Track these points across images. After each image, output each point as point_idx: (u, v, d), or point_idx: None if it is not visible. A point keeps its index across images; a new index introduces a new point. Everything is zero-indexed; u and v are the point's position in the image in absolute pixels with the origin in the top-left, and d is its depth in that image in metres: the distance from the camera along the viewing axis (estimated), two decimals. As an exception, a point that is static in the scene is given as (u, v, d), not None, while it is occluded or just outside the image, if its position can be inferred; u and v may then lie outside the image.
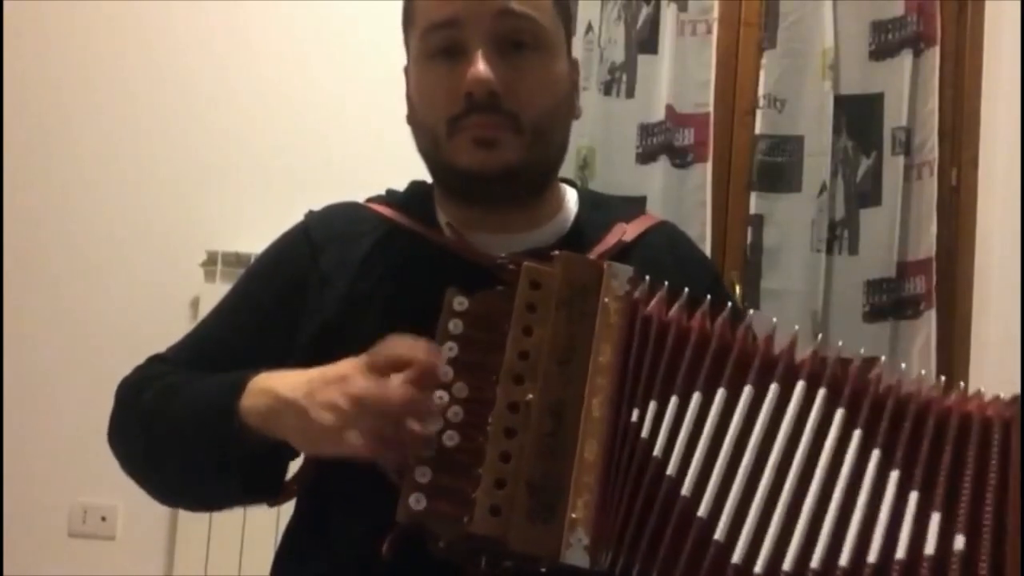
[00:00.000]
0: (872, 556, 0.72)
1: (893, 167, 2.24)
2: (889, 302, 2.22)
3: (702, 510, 0.75)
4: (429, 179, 1.05)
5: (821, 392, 0.77)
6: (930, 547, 0.72)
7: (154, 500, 1.00)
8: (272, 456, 0.90)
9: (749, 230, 2.26)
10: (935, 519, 0.73)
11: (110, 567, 2.23)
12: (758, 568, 0.73)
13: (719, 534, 0.74)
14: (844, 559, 0.72)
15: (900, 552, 0.72)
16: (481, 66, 0.90)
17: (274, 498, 0.93)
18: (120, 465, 0.99)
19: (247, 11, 2.38)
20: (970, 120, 2.26)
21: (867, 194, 2.26)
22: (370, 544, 0.79)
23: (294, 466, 0.94)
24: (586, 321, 0.80)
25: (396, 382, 0.77)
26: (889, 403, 0.77)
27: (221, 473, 0.89)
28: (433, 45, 0.95)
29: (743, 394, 0.78)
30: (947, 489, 0.74)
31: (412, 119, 1.01)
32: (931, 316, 2.19)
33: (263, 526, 0.99)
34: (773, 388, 0.78)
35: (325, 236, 1.02)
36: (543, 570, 0.74)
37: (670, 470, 0.76)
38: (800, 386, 0.78)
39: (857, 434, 0.76)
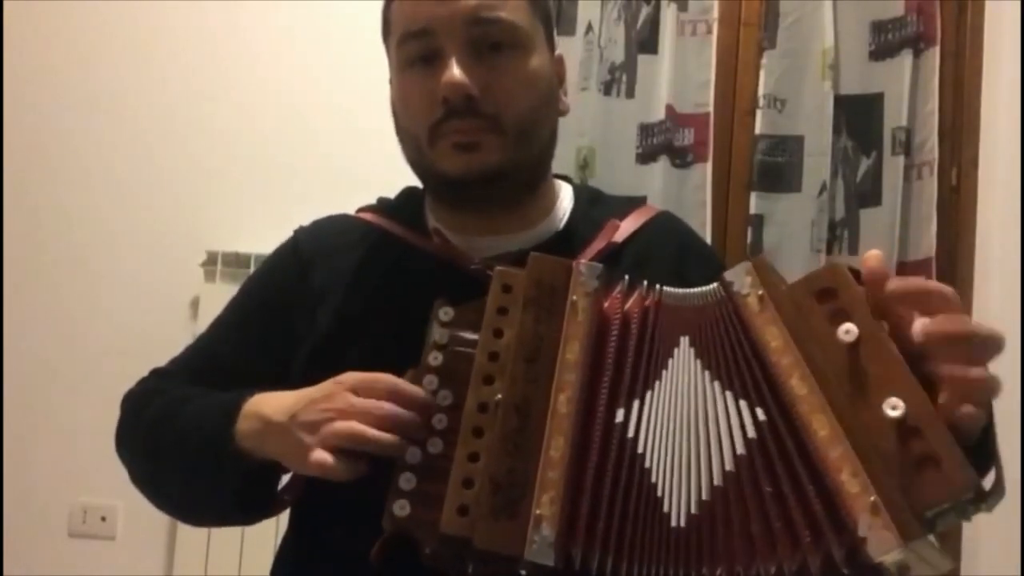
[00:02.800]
0: (728, 465, 0.76)
1: (893, 167, 2.23)
2: (889, 302, 2.22)
3: (660, 490, 0.76)
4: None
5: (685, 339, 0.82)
6: (751, 431, 0.76)
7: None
8: (266, 476, 0.91)
9: (749, 230, 2.26)
10: (744, 406, 0.77)
11: (110, 567, 2.24)
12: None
13: (674, 521, 0.75)
14: (718, 479, 0.76)
15: (740, 448, 0.76)
16: (455, 71, 0.90)
17: (266, 515, 0.94)
18: (128, 475, 1.01)
19: (247, 12, 2.38)
20: (970, 120, 2.26)
21: (867, 194, 2.26)
22: (363, 551, 0.79)
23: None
24: (554, 320, 0.81)
25: (375, 399, 0.80)
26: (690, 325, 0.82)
27: (217, 494, 0.90)
28: (409, 54, 0.95)
29: (669, 366, 0.81)
30: (739, 375, 0.78)
31: (397, 129, 1.01)
32: (931, 316, 2.18)
33: (263, 527, 0.99)
34: (676, 354, 0.81)
35: (314, 251, 1.02)
36: (523, 573, 0.73)
37: (648, 463, 0.77)
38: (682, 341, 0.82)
39: (692, 353, 0.81)
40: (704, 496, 0.75)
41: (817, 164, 2.24)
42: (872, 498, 0.69)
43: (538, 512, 0.74)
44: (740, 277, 0.80)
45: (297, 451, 0.82)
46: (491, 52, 0.93)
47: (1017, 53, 2.13)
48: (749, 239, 2.26)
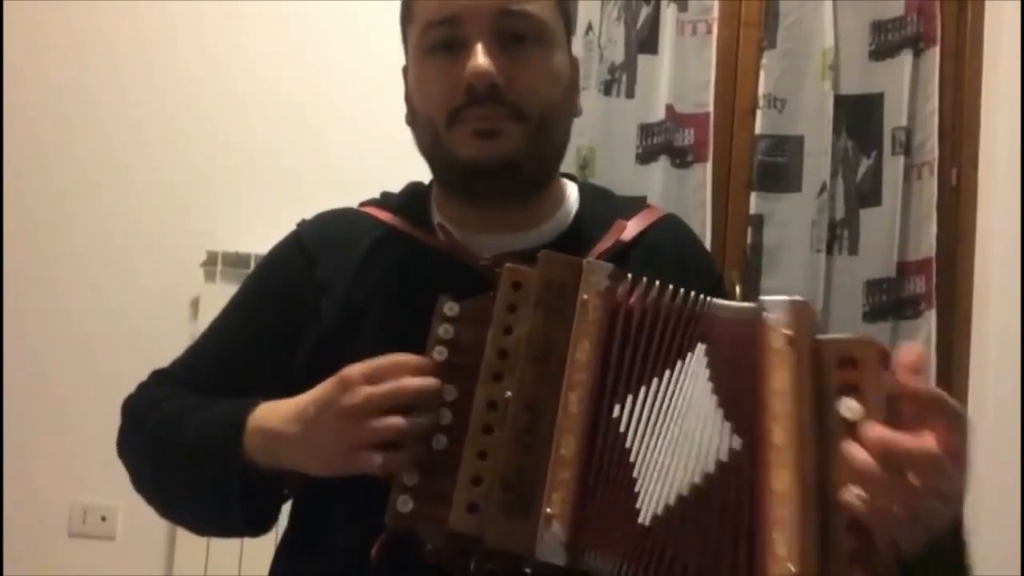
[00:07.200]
0: (698, 479, 0.75)
1: (893, 167, 2.24)
2: (889, 302, 2.22)
3: (638, 486, 0.76)
4: (427, 179, 1.05)
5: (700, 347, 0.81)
6: (724, 455, 0.76)
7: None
8: (272, 488, 0.91)
9: (749, 230, 2.27)
10: (727, 428, 0.77)
11: (110, 567, 2.23)
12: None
13: (641, 518, 0.75)
14: (685, 489, 0.76)
15: (711, 467, 0.76)
16: (481, 58, 0.90)
17: (269, 526, 0.94)
18: (130, 481, 1.01)
19: (246, 12, 2.38)
20: (970, 120, 2.26)
21: (867, 194, 2.26)
22: (363, 549, 0.79)
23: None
24: (564, 318, 0.80)
25: (375, 385, 0.79)
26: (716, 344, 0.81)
27: (224, 508, 0.90)
28: (432, 40, 0.94)
29: (677, 367, 0.80)
30: (735, 397, 0.78)
31: (411, 117, 1.00)
32: (931, 316, 2.19)
33: (263, 526, 0.99)
34: (689, 358, 0.80)
35: (318, 244, 1.01)
36: (527, 571, 0.74)
37: (632, 458, 0.77)
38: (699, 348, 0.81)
39: (705, 362, 0.80)
40: (671, 502, 0.75)
41: (817, 164, 2.25)
42: (793, 568, 0.70)
43: (549, 511, 0.74)
44: (778, 310, 0.79)
45: (319, 456, 0.82)
46: (515, 44, 0.93)
47: (1017, 53, 2.13)
48: (749, 239, 2.26)
